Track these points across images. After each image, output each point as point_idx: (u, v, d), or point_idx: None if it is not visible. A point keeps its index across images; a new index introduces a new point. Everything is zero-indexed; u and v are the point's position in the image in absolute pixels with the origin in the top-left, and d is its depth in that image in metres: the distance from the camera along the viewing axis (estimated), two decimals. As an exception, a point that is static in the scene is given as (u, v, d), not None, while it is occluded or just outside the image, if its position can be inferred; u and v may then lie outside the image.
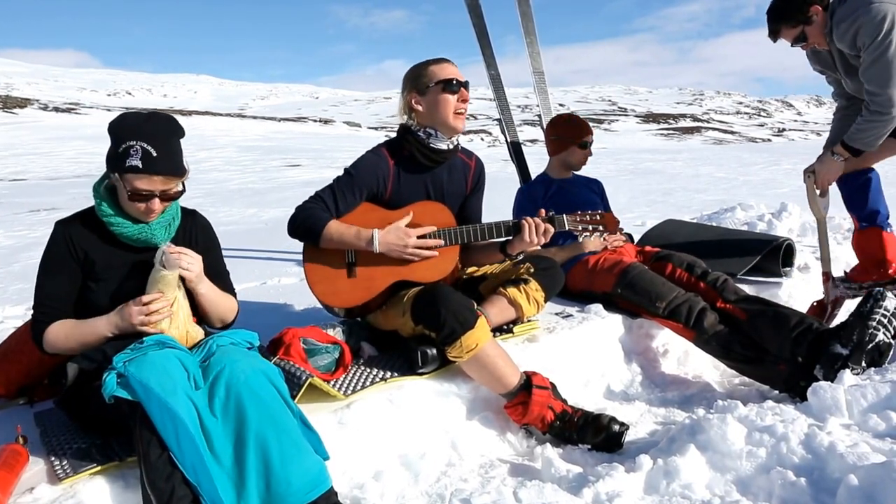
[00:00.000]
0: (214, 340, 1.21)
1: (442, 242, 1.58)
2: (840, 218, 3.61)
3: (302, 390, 1.35)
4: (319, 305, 1.70)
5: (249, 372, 1.11)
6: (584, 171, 2.40)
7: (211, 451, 1.05)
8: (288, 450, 1.08)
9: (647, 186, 8.09)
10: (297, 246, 1.65)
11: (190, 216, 1.41)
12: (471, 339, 1.45)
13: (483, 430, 1.54)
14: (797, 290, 2.33)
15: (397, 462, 1.39)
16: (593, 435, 1.46)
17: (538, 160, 2.68)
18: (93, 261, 1.28)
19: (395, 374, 1.53)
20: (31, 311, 1.30)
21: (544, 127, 2.69)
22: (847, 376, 1.52)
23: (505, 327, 1.74)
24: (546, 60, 3.11)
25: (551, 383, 1.54)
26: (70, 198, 7.64)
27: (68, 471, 1.13)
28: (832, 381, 1.51)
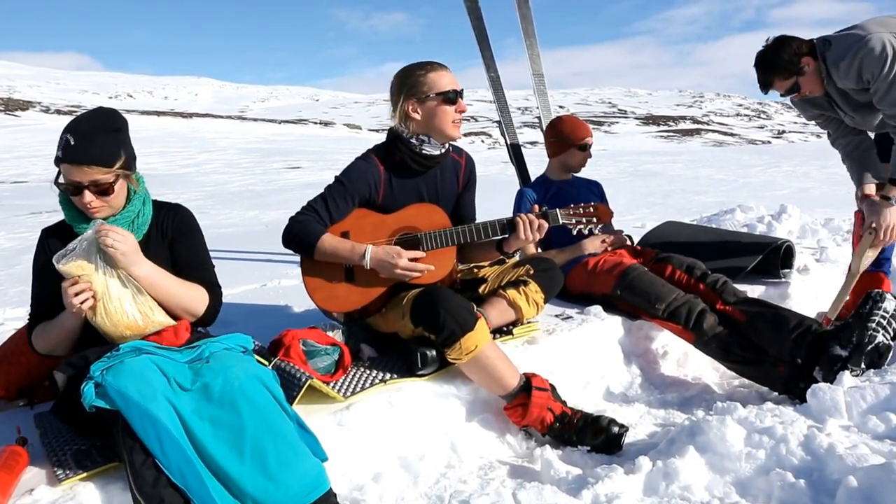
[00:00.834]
0: (207, 346, 1.20)
1: (433, 267, 1.58)
2: (840, 220, 3.62)
3: (301, 392, 1.35)
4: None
5: (244, 377, 1.11)
6: (584, 173, 2.41)
7: (202, 455, 1.04)
8: (285, 453, 1.08)
9: (646, 188, 8.10)
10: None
11: (168, 210, 1.40)
12: (470, 340, 1.45)
13: (482, 431, 1.54)
14: (796, 292, 2.33)
15: (397, 464, 1.39)
16: (593, 436, 1.46)
17: (538, 162, 2.68)
18: None
19: (395, 376, 1.53)
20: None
21: (544, 129, 2.69)
22: (846, 378, 1.52)
23: (504, 329, 1.74)
24: (546, 62, 3.12)
25: (551, 385, 1.54)
26: (71, 200, 7.63)
27: (68, 472, 1.13)
28: (831, 383, 1.52)
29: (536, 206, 1.62)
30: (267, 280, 3.09)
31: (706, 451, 1.31)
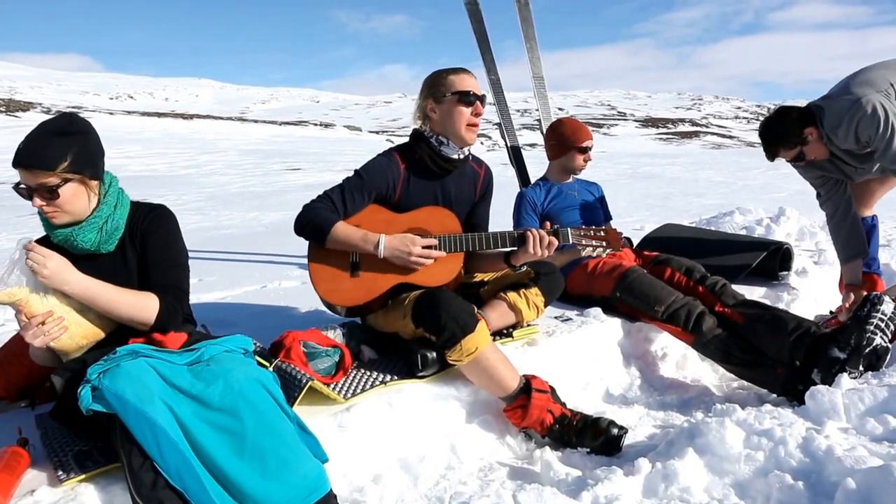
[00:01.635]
0: (207, 348, 1.20)
1: (444, 253, 1.59)
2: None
3: (302, 393, 1.35)
4: (320, 308, 1.71)
5: (244, 380, 1.11)
6: (584, 175, 2.42)
7: (201, 457, 1.04)
8: (285, 455, 1.08)
9: (646, 190, 8.11)
10: (298, 249, 1.66)
11: (144, 211, 1.35)
12: (471, 342, 1.46)
13: (482, 433, 1.54)
14: (795, 294, 2.34)
15: (397, 465, 1.39)
16: (592, 438, 1.47)
17: (538, 164, 2.69)
18: None
19: (395, 378, 1.54)
20: None
21: (544, 131, 2.70)
22: (844, 380, 1.53)
23: (505, 331, 1.75)
24: (546, 65, 3.13)
25: (550, 387, 1.54)
26: (70, 201, 7.64)
27: (69, 473, 1.13)
28: (830, 385, 1.52)
29: (548, 224, 1.62)
30: (267, 281, 3.09)
31: (705, 452, 1.31)
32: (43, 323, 1.17)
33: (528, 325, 1.78)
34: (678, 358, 2.03)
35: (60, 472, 1.14)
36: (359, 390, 1.48)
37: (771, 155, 2.07)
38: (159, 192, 8.67)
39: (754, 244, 2.47)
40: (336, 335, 1.63)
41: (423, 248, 1.57)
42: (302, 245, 1.67)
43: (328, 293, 1.64)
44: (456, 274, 1.67)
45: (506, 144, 3.08)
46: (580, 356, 1.82)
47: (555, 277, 1.78)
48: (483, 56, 3.02)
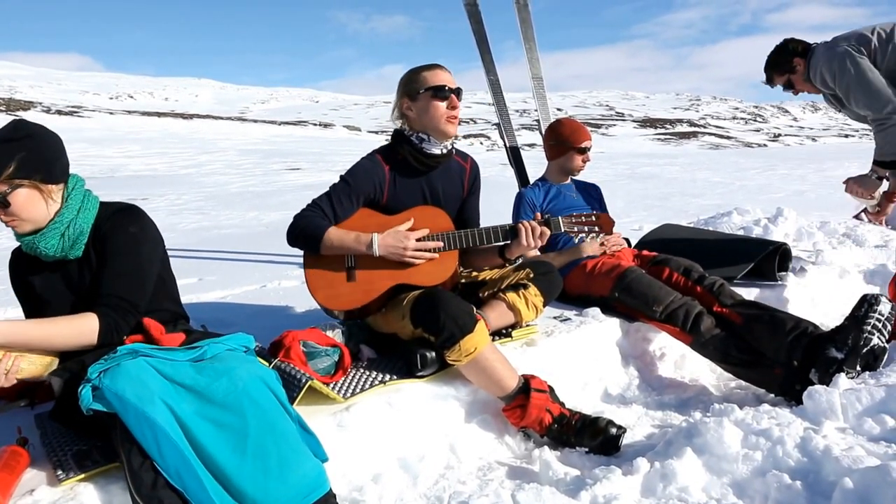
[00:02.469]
0: (209, 347, 1.20)
1: (442, 244, 1.59)
2: (835, 223, 3.64)
3: (301, 393, 1.35)
4: (319, 308, 1.72)
5: (247, 379, 1.12)
6: (582, 176, 2.42)
7: (202, 456, 1.04)
8: (286, 454, 1.08)
9: (644, 191, 8.13)
10: (297, 249, 1.66)
11: (109, 212, 1.30)
12: (470, 342, 1.46)
13: (481, 432, 1.54)
14: (793, 295, 2.35)
15: (396, 465, 1.40)
16: (591, 438, 1.47)
17: (536, 164, 2.70)
18: (30, 283, 1.31)
19: (394, 378, 1.54)
20: None
21: (543, 131, 2.71)
22: (842, 380, 1.53)
23: (503, 331, 1.75)
24: (545, 66, 3.14)
25: (549, 386, 1.54)
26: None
27: (69, 472, 1.13)
28: (827, 385, 1.52)
29: (539, 214, 1.63)
30: (267, 281, 3.09)
31: (703, 452, 1.31)
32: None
33: (527, 325, 1.78)
34: (676, 358, 2.03)
35: (60, 472, 1.14)
36: (358, 390, 1.48)
37: (768, 80, 2.28)
38: (159, 191, 8.66)
39: (752, 244, 2.47)
40: (335, 334, 1.64)
41: (418, 240, 1.57)
42: (301, 245, 1.67)
43: (326, 299, 1.64)
44: (452, 272, 1.67)
45: (505, 145, 3.08)
46: (579, 356, 1.82)
47: (553, 277, 1.78)
48: (482, 57, 3.03)
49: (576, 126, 2.34)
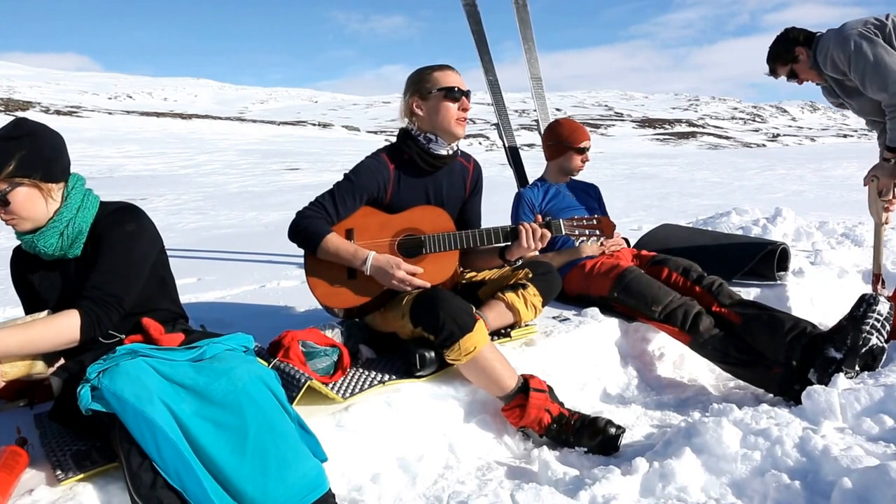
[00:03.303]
0: (209, 346, 1.20)
1: (428, 285, 1.58)
2: (834, 223, 3.65)
3: (301, 393, 1.35)
4: (318, 308, 1.72)
5: (247, 378, 1.11)
6: (581, 176, 2.43)
7: (201, 456, 1.04)
8: (286, 455, 1.08)
9: (643, 191, 8.13)
10: (297, 249, 1.66)
11: (107, 211, 1.29)
12: (469, 342, 1.46)
13: (480, 432, 1.54)
14: (791, 295, 2.35)
15: (395, 464, 1.40)
16: (590, 438, 1.47)
17: (536, 164, 2.70)
18: (30, 282, 1.31)
19: (393, 377, 1.54)
20: None
21: (542, 132, 2.71)
22: (841, 380, 1.54)
23: (503, 331, 1.75)
24: (544, 66, 3.14)
25: (548, 386, 1.55)
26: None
27: (68, 472, 1.13)
28: (826, 385, 1.53)
29: (539, 217, 1.63)
30: (266, 281, 3.09)
31: (702, 452, 1.31)
32: None
33: (526, 325, 1.78)
34: (675, 358, 2.03)
35: (59, 472, 1.14)
36: (357, 390, 1.48)
37: (772, 71, 2.23)
38: (158, 191, 8.65)
39: (751, 244, 2.48)
40: (335, 334, 1.64)
41: (409, 273, 1.56)
42: (301, 245, 1.67)
43: (326, 297, 1.64)
44: (452, 273, 1.67)
45: (504, 145, 3.09)
46: (578, 356, 1.82)
47: (552, 277, 1.78)
48: (481, 57, 3.03)
49: (575, 126, 2.34)
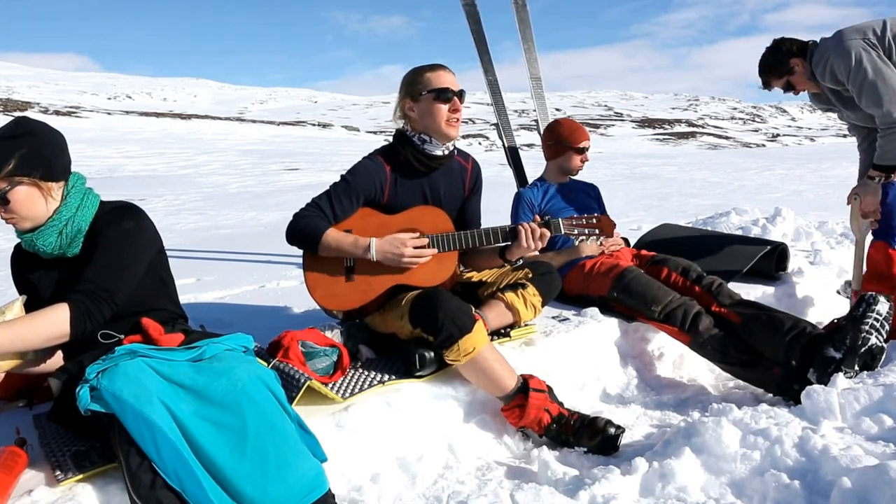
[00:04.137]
0: (208, 347, 1.19)
1: (437, 251, 1.59)
2: (833, 223, 3.65)
3: (300, 393, 1.35)
4: (318, 308, 1.72)
5: (247, 378, 1.11)
6: (581, 176, 2.43)
7: (200, 456, 1.04)
8: (285, 455, 1.08)
9: (642, 191, 8.14)
10: (296, 249, 1.66)
11: (106, 210, 1.29)
12: (468, 342, 1.46)
13: (480, 432, 1.54)
14: (791, 294, 2.35)
15: (395, 464, 1.40)
16: (589, 438, 1.47)
17: (535, 164, 2.70)
18: (29, 280, 1.30)
19: (393, 377, 1.54)
20: None
21: (541, 132, 2.71)
22: (840, 380, 1.54)
23: (502, 331, 1.75)
24: (543, 66, 3.14)
25: (548, 386, 1.55)
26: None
27: (67, 473, 1.13)
28: (825, 385, 1.53)
29: (538, 217, 1.63)
30: (266, 281, 3.09)
31: (702, 452, 1.32)
32: None
33: (526, 325, 1.78)
34: (675, 358, 2.03)
35: (58, 472, 1.14)
36: (357, 390, 1.48)
37: (765, 85, 2.21)
38: (157, 191, 8.65)
39: (750, 244, 2.48)
40: (334, 335, 1.64)
41: (415, 247, 1.57)
42: (300, 245, 1.66)
43: (324, 299, 1.64)
44: (451, 273, 1.67)
45: (503, 145, 3.09)
46: (577, 356, 1.82)
47: (552, 277, 1.78)
48: (481, 57, 3.03)
49: (574, 126, 2.34)
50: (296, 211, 1.63)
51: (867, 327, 1.65)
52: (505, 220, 2.21)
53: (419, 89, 1.62)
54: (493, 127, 3.19)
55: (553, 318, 1.97)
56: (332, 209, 1.61)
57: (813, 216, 4.47)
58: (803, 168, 11.33)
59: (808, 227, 3.44)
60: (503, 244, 1.67)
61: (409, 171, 1.68)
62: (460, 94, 1.65)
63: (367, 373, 1.57)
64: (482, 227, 1.73)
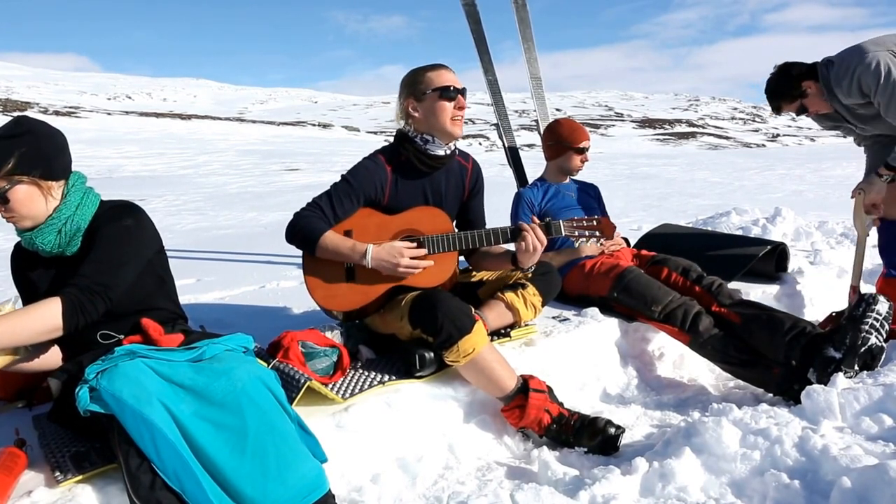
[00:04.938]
0: (208, 347, 1.19)
1: (431, 263, 1.58)
2: (833, 223, 3.65)
3: (300, 393, 1.35)
4: (318, 308, 1.72)
5: (247, 379, 1.11)
6: (581, 176, 2.43)
7: (200, 457, 1.04)
8: (286, 455, 1.08)
9: (643, 191, 8.14)
10: (296, 250, 1.66)
11: (105, 208, 1.29)
12: (468, 343, 1.46)
13: (480, 433, 1.55)
14: (791, 294, 2.35)
15: (395, 465, 1.40)
16: (589, 438, 1.47)
17: (535, 164, 2.70)
18: (29, 278, 1.30)
19: (393, 378, 1.54)
20: None
21: (541, 132, 2.71)
22: (840, 380, 1.54)
23: (502, 331, 1.75)
24: (543, 66, 3.14)
25: (548, 387, 1.55)
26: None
27: (67, 474, 1.13)
28: (825, 385, 1.53)
29: (536, 218, 1.63)
30: (266, 281, 3.09)
31: (702, 452, 1.32)
32: None
33: (526, 325, 1.78)
34: (675, 358, 2.03)
35: (58, 473, 1.14)
36: (357, 390, 1.48)
37: (776, 109, 2.18)
38: (158, 192, 8.65)
39: (750, 244, 2.48)
40: (334, 335, 1.64)
41: (412, 258, 1.56)
42: (300, 245, 1.66)
43: (324, 299, 1.64)
44: (451, 274, 1.67)
45: (503, 145, 3.09)
46: (577, 356, 1.82)
47: (552, 277, 1.78)
48: (481, 57, 3.03)
49: (574, 126, 2.34)
50: (296, 210, 1.63)
51: (867, 327, 1.65)
52: (505, 220, 2.21)
53: (422, 88, 1.62)
54: (493, 127, 3.19)
55: (553, 318, 1.97)
56: (332, 210, 1.61)
57: (813, 216, 4.47)
58: (803, 168, 11.34)
59: (809, 227, 3.44)
60: (511, 248, 1.66)
61: (411, 171, 1.68)
62: (463, 92, 1.65)
63: (367, 373, 1.57)
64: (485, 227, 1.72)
